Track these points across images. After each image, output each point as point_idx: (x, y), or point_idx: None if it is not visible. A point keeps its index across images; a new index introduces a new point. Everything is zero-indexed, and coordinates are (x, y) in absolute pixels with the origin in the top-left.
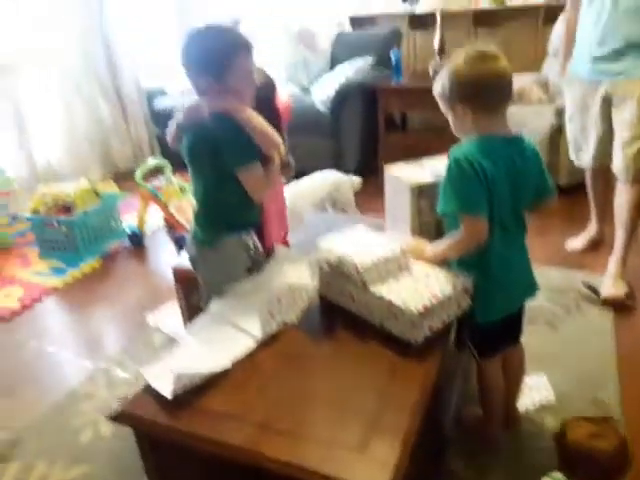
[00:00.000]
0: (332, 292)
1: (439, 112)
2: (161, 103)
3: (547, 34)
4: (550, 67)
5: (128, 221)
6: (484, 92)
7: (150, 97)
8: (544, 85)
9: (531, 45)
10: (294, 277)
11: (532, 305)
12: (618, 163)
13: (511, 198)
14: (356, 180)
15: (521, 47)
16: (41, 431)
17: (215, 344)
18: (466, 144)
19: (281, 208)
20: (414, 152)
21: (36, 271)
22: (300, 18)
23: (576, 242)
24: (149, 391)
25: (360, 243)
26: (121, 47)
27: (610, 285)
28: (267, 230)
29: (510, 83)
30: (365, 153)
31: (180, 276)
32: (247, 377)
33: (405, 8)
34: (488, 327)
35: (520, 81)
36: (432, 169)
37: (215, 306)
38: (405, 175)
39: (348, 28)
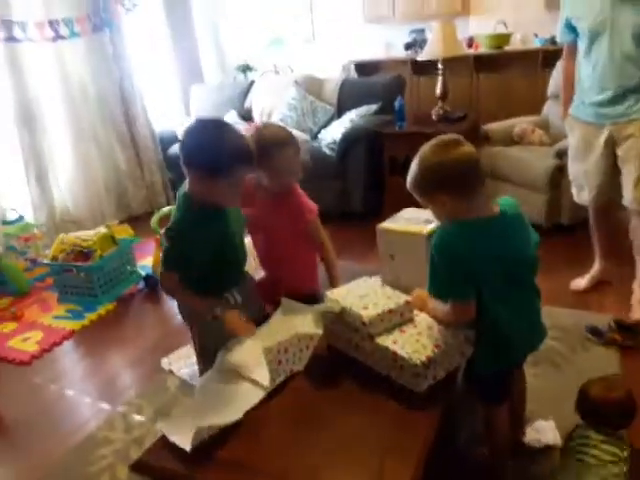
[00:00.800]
0: (339, 341)
1: None
2: (174, 149)
3: (546, 77)
4: (550, 109)
5: (143, 264)
6: (456, 178)
7: (163, 142)
8: (545, 127)
9: (531, 88)
10: (300, 326)
11: None
12: (629, 196)
13: (502, 272)
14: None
15: (521, 90)
16: (61, 478)
17: (226, 396)
18: (446, 230)
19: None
20: None
21: (55, 315)
22: (306, 66)
23: (580, 282)
24: (166, 441)
25: (366, 295)
26: (135, 95)
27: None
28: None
29: (478, 166)
30: (370, 194)
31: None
32: (259, 427)
33: (408, 54)
34: (491, 376)
35: (521, 123)
36: (417, 217)
37: (224, 357)
38: (404, 227)
39: (353, 73)
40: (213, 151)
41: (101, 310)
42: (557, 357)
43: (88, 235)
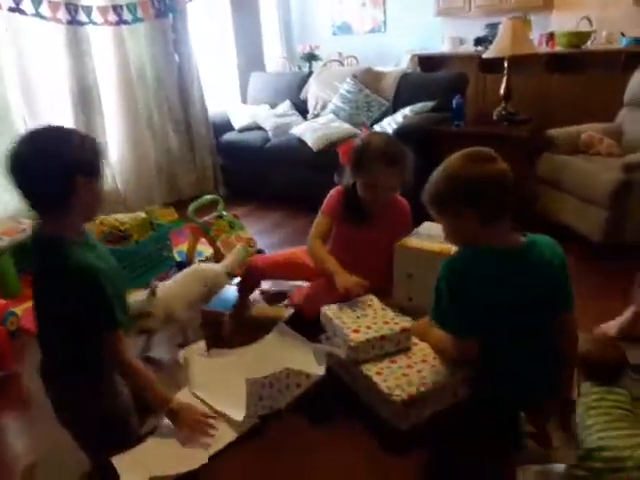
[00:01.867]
0: (331, 360)
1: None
2: (227, 136)
3: (625, 82)
4: (625, 117)
5: (180, 250)
6: (487, 195)
7: (217, 128)
8: (617, 136)
9: (606, 93)
10: (295, 361)
11: None
12: None
13: (510, 312)
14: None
15: (596, 94)
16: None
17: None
18: (461, 256)
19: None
20: None
21: None
22: (373, 57)
23: (611, 326)
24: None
25: (365, 315)
26: (193, 81)
27: None
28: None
29: (511, 187)
30: (419, 197)
31: (206, 318)
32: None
33: (477, 50)
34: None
35: (590, 131)
36: (439, 233)
37: (192, 391)
38: (428, 246)
39: (417, 67)
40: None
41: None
42: None
43: (127, 218)
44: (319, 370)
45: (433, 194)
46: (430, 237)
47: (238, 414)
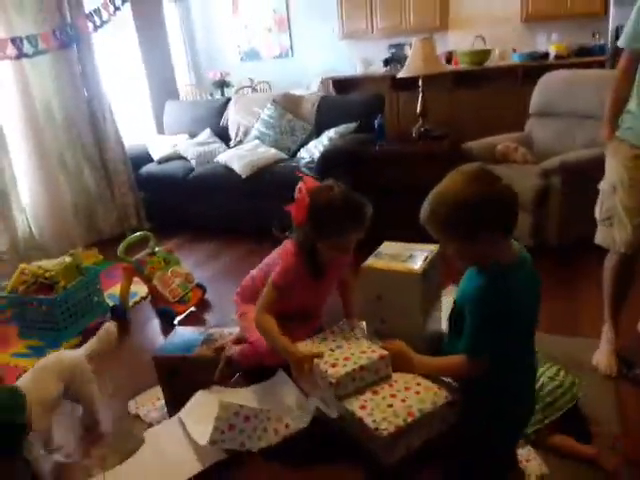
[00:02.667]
0: (315, 393)
1: (419, 173)
2: (146, 168)
3: (527, 94)
4: (533, 127)
5: (111, 293)
6: (502, 214)
7: (135, 162)
8: (528, 145)
9: (512, 105)
10: (281, 408)
11: None
12: None
13: (531, 324)
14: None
15: (502, 107)
16: None
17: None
18: (494, 278)
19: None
20: (398, 213)
21: (14, 352)
22: (283, 82)
23: (604, 362)
24: None
25: (339, 346)
26: (105, 114)
27: None
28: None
29: (517, 200)
30: None
31: (160, 364)
32: None
33: (387, 70)
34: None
35: (504, 141)
36: (400, 253)
37: (186, 412)
38: (394, 265)
39: (331, 89)
40: None
41: (65, 346)
42: None
43: (51, 265)
44: (302, 423)
45: (442, 221)
46: (392, 257)
47: (202, 438)
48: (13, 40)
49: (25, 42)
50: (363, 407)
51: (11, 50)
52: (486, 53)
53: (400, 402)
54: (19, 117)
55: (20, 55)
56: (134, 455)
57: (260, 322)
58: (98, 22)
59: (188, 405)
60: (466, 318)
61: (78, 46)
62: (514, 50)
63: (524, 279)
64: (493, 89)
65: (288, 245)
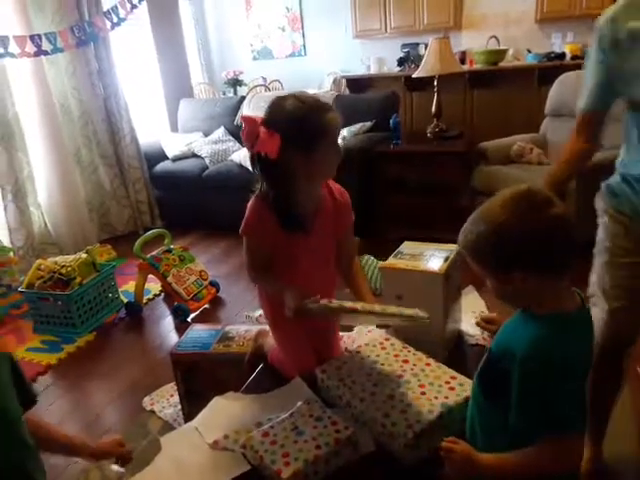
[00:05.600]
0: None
1: (434, 173)
2: (161, 166)
3: (542, 94)
4: (548, 127)
5: (125, 289)
6: (560, 247)
7: (149, 160)
8: (543, 146)
9: (527, 105)
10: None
11: None
12: None
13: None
14: None
15: (517, 108)
16: None
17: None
18: (539, 333)
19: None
20: (412, 213)
21: (29, 347)
22: (295, 80)
23: None
24: None
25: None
26: (121, 112)
27: None
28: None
29: (574, 230)
30: (364, 214)
31: (178, 361)
32: None
33: (400, 69)
34: None
35: (519, 142)
36: (421, 253)
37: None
38: (415, 265)
39: (344, 88)
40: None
41: (80, 341)
42: None
43: (67, 261)
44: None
45: (473, 248)
46: (413, 257)
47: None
48: (32, 37)
49: (44, 39)
50: (378, 409)
51: (30, 47)
52: (501, 53)
53: (419, 399)
54: (37, 114)
55: (39, 52)
56: (152, 463)
57: (254, 278)
58: (115, 20)
59: (204, 412)
60: (514, 381)
61: (95, 44)
62: (529, 50)
63: (583, 335)
64: (508, 89)
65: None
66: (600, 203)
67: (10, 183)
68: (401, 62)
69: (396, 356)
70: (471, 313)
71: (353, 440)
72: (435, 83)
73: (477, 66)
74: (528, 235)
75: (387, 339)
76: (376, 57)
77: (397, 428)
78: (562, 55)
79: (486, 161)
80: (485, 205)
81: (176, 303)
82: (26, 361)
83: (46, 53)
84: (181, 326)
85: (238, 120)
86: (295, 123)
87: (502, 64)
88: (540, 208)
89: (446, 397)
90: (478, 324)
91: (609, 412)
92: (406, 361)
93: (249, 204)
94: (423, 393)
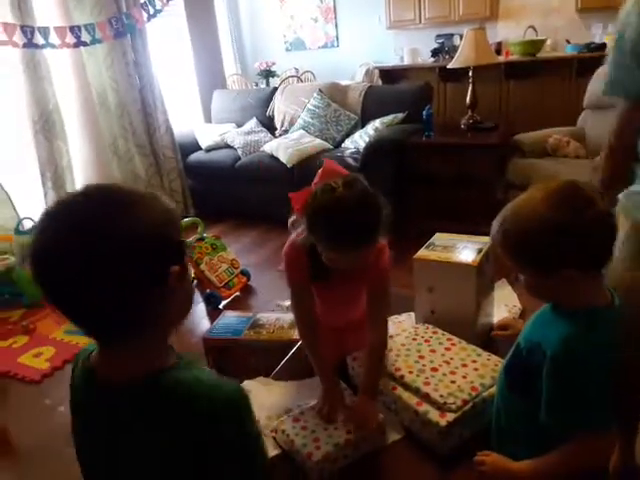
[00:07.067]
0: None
1: (468, 166)
2: (194, 156)
3: (581, 86)
4: (587, 120)
5: None
6: (601, 245)
7: (183, 150)
8: (580, 139)
9: (565, 98)
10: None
11: None
12: None
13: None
14: None
15: (554, 100)
16: None
17: None
18: (571, 330)
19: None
20: (445, 206)
21: (67, 329)
22: (328, 71)
23: None
24: None
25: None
26: (156, 103)
27: None
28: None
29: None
30: (393, 208)
31: (210, 346)
32: None
33: (434, 60)
34: None
35: (555, 134)
36: (453, 245)
37: None
38: (447, 257)
39: (377, 79)
40: None
41: None
42: None
43: None
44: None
45: (512, 245)
46: (446, 248)
47: None
48: (72, 29)
49: (83, 30)
50: (426, 383)
51: (70, 38)
52: (539, 43)
53: (462, 378)
54: (76, 104)
55: (78, 43)
56: None
57: (302, 337)
58: (152, 11)
59: None
60: (544, 382)
61: (132, 35)
62: (567, 41)
63: (614, 331)
64: (545, 81)
65: (292, 236)
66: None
67: (50, 170)
68: (435, 53)
69: (427, 341)
70: (504, 307)
71: (382, 426)
72: (470, 74)
73: (513, 57)
74: (573, 233)
75: (417, 328)
76: (410, 48)
77: (430, 416)
78: (602, 46)
79: (521, 154)
80: (523, 199)
81: (208, 290)
82: (64, 342)
83: (85, 44)
84: (213, 313)
85: (270, 111)
86: (318, 218)
87: (539, 55)
88: (588, 204)
89: (480, 385)
90: (495, 335)
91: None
92: (435, 350)
93: (287, 253)
94: (453, 382)
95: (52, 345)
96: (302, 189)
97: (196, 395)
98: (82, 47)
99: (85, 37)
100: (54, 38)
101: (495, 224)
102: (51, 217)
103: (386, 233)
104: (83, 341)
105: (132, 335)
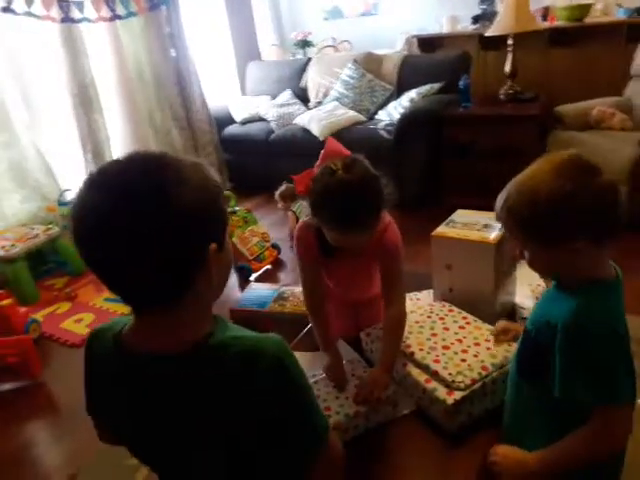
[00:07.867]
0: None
1: (506, 138)
2: (230, 129)
3: (630, 54)
4: (634, 90)
5: None
6: (608, 216)
7: (219, 123)
8: (627, 110)
9: (613, 66)
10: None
11: None
12: None
13: None
14: None
15: (602, 68)
16: (99, 467)
17: None
18: (580, 301)
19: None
20: (482, 179)
21: (106, 297)
22: (366, 40)
23: None
24: None
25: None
26: (192, 76)
27: None
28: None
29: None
30: (426, 182)
31: (236, 317)
32: None
33: (475, 28)
34: None
35: (600, 105)
36: (474, 222)
37: None
38: (466, 234)
39: (416, 48)
40: None
41: None
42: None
43: None
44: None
45: (519, 219)
46: (465, 225)
47: None
48: (107, 2)
49: (118, 3)
50: (436, 361)
51: (106, 12)
52: (587, 7)
53: (473, 357)
54: (113, 78)
55: (114, 17)
56: None
57: (308, 308)
58: None
59: None
60: (557, 355)
61: (167, 7)
62: (619, 5)
63: (622, 302)
64: (592, 48)
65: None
66: None
67: (90, 143)
68: (476, 20)
69: (441, 319)
70: (527, 285)
71: (393, 399)
72: (510, 42)
73: (558, 22)
74: (582, 203)
75: (433, 305)
76: (449, 15)
77: (438, 394)
78: None
79: (563, 126)
80: (529, 172)
81: (240, 263)
82: (104, 309)
83: (120, 17)
84: (244, 285)
85: (304, 82)
86: (318, 201)
87: (587, 20)
88: (594, 174)
89: (492, 364)
90: (496, 340)
91: None
92: (448, 328)
93: (298, 232)
94: (464, 360)
95: (92, 312)
96: (304, 171)
97: (251, 350)
98: (117, 21)
99: (120, 10)
100: (90, 12)
101: (499, 200)
102: (97, 185)
103: (389, 208)
104: (121, 309)
105: (175, 304)
